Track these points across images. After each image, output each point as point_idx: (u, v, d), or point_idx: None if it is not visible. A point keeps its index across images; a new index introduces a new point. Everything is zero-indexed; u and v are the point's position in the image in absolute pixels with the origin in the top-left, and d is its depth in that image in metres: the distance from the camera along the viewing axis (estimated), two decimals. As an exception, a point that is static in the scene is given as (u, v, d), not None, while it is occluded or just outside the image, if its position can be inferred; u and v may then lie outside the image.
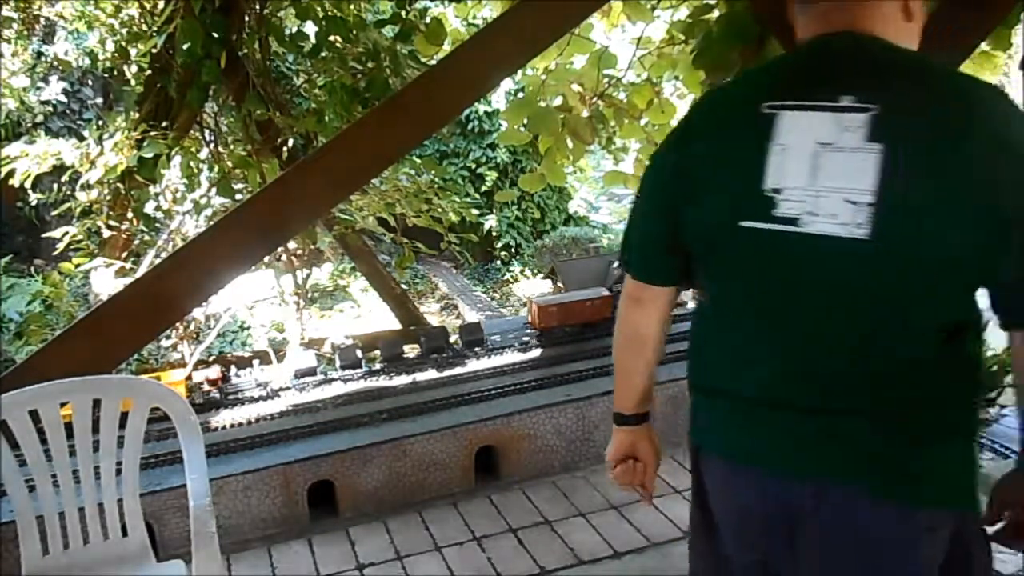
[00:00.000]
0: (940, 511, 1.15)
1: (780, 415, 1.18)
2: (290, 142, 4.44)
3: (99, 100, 10.20)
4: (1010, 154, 1.05)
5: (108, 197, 4.60)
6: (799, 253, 1.12)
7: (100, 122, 5.16)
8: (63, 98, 9.94)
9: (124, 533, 2.06)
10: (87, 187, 4.52)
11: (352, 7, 4.21)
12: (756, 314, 1.21)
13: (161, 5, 4.37)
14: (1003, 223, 1.04)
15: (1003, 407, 4.30)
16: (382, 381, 3.82)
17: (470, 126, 12.36)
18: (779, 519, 1.20)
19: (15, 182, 4.68)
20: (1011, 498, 1.20)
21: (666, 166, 1.29)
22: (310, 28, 4.33)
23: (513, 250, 12.88)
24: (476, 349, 4.10)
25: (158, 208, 4.96)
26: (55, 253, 4.97)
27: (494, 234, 12.84)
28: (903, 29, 1.21)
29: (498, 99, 11.82)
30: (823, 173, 1.09)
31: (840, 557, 1.18)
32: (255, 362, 4.01)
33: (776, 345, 1.19)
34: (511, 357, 4.02)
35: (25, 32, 7.79)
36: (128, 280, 3.88)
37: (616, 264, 4.46)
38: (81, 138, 5.57)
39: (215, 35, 3.82)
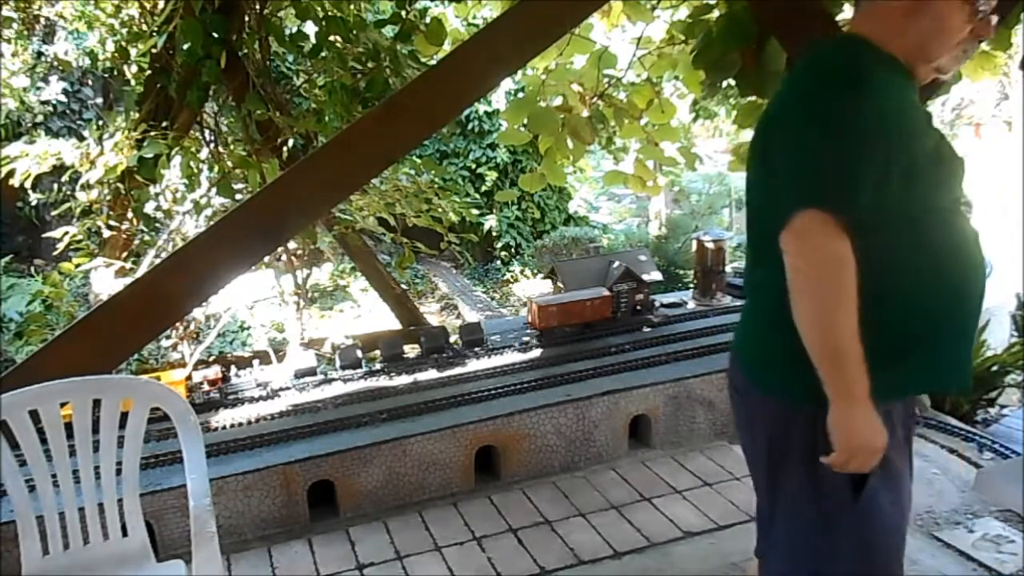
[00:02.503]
0: (757, 386, 1.63)
1: None
2: (290, 142, 4.43)
3: (99, 100, 10.21)
4: (779, 106, 1.58)
5: (108, 197, 4.60)
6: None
7: (100, 122, 5.15)
8: (63, 98, 9.94)
9: (124, 533, 2.06)
10: (87, 187, 4.51)
11: (352, 7, 4.21)
12: None
13: (161, 5, 4.37)
14: (768, 153, 1.52)
15: (1003, 407, 4.30)
16: (382, 381, 3.81)
17: (470, 126, 12.36)
18: None
19: (15, 182, 4.68)
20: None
21: None
22: (310, 28, 4.33)
23: (513, 250, 12.88)
24: (476, 349, 4.09)
25: (158, 208, 4.96)
26: (55, 253, 4.97)
27: (494, 234, 12.84)
28: (899, 10, 1.50)
29: (498, 99, 11.82)
30: None
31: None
32: (255, 362, 4.00)
33: None
34: (511, 357, 4.01)
35: (25, 32, 7.78)
36: (128, 280, 3.88)
37: (616, 264, 4.45)
38: (81, 138, 5.57)
39: (215, 35, 3.82)
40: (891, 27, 1.50)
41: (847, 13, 2.85)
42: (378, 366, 3.96)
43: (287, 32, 4.38)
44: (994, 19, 1.53)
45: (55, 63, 9.40)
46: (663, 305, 4.58)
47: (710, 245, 4.64)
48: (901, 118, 1.44)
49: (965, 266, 1.52)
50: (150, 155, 4.09)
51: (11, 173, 4.66)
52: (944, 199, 1.51)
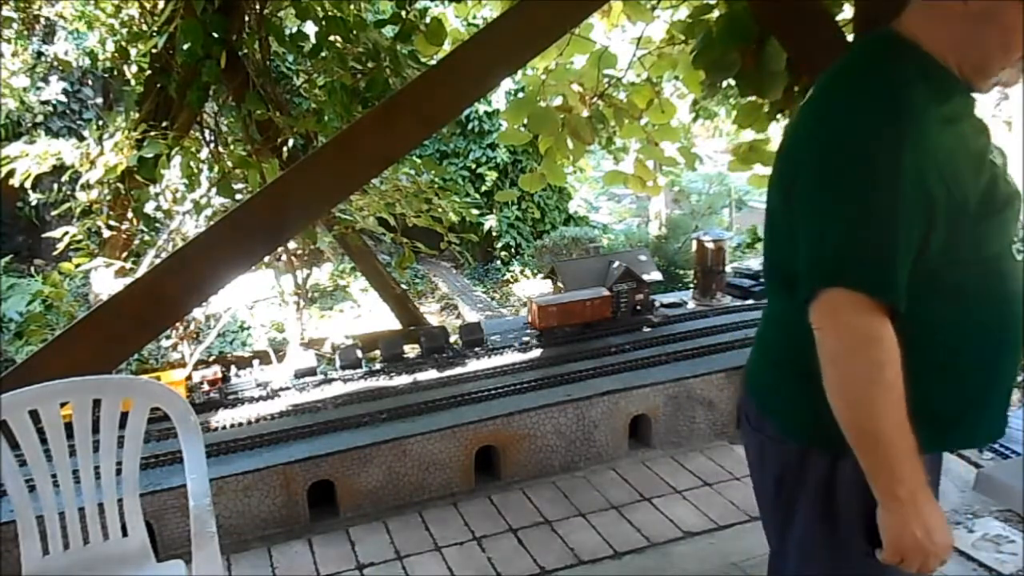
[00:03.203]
0: (771, 422, 1.46)
1: None
2: (290, 142, 4.43)
3: (99, 100, 10.21)
4: (807, 141, 1.31)
5: (108, 197, 4.60)
6: None
7: (100, 122, 5.16)
8: (63, 98, 9.94)
9: (124, 533, 2.06)
10: (87, 187, 4.51)
11: (352, 7, 4.21)
12: None
13: (161, 5, 4.37)
14: (792, 196, 1.30)
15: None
16: (382, 381, 3.81)
17: (470, 126, 12.36)
18: None
19: (15, 182, 4.68)
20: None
21: None
22: (310, 28, 4.33)
23: (513, 250, 12.88)
24: (476, 349, 4.10)
25: (158, 208, 4.96)
26: (55, 253, 4.97)
27: (494, 234, 12.84)
28: (963, 14, 1.24)
29: (498, 99, 11.82)
30: None
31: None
32: (255, 362, 4.00)
33: None
34: (511, 357, 4.01)
35: (25, 32, 7.79)
36: (128, 280, 3.88)
37: (616, 264, 4.45)
38: (81, 138, 5.57)
39: (215, 35, 3.82)
40: (950, 32, 1.25)
41: (847, 13, 2.85)
42: (378, 366, 3.96)
43: (287, 32, 4.38)
44: None
45: (55, 63, 9.40)
46: (663, 305, 4.58)
47: (710, 245, 4.64)
48: (951, 158, 1.21)
49: (1008, 317, 1.33)
50: (150, 155, 4.09)
51: (11, 173, 4.66)
52: (994, 246, 1.30)
